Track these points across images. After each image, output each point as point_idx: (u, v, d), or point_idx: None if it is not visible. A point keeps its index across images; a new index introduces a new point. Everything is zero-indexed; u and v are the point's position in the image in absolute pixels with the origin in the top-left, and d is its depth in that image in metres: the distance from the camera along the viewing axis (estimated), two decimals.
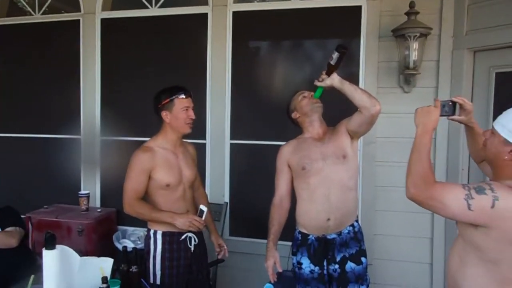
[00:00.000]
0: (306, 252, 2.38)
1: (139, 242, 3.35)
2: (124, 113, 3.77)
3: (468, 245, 1.54)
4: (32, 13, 3.99)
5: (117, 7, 3.81)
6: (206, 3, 3.54)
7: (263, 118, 3.49)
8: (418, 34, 2.92)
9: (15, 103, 4.11)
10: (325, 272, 2.36)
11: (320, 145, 2.38)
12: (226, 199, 3.50)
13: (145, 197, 2.41)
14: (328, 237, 2.35)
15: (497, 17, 2.78)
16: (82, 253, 2.19)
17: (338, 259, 2.34)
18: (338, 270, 2.34)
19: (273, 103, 3.36)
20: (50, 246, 1.93)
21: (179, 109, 2.36)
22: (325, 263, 2.36)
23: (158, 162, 2.36)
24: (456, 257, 1.61)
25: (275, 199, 2.46)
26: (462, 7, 2.98)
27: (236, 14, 3.50)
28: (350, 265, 2.34)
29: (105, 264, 2.09)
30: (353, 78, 3.23)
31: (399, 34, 2.98)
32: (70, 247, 2.09)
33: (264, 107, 3.48)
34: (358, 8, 3.24)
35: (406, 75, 3.07)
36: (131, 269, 2.11)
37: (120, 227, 3.69)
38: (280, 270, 2.38)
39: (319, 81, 2.25)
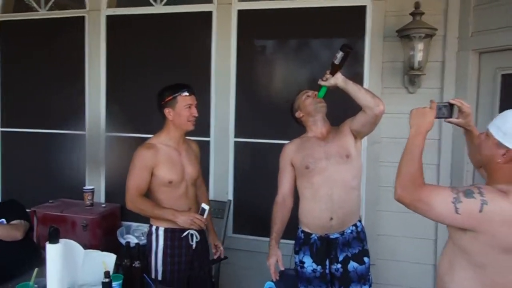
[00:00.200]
0: (309, 251, 2.39)
1: (143, 238, 3.37)
2: (129, 110, 3.79)
3: (457, 248, 1.53)
4: (38, 9, 4.00)
5: (122, 4, 3.82)
6: (210, 1, 3.54)
7: (267, 116, 3.50)
8: (423, 35, 2.92)
9: (21, 98, 4.13)
10: (327, 271, 2.36)
11: (323, 145, 2.38)
12: (230, 196, 3.51)
13: (148, 194, 2.42)
14: (331, 236, 2.35)
15: (503, 19, 2.77)
16: (87, 248, 2.21)
17: (340, 258, 2.34)
18: (341, 270, 2.34)
19: (277, 102, 3.37)
20: (54, 240, 1.95)
21: (182, 107, 2.37)
22: (327, 263, 2.36)
23: (161, 159, 2.37)
24: (445, 259, 1.60)
25: (278, 197, 2.47)
26: (467, 8, 2.97)
27: (240, 13, 3.50)
28: (352, 264, 2.34)
29: (108, 259, 2.11)
30: (358, 78, 3.23)
31: (404, 35, 2.98)
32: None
33: (268, 105, 3.49)
34: (363, 8, 3.23)
35: (411, 75, 3.06)
36: (133, 265, 2.12)
37: (124, 222, 3.71)
38: (282, 268, 2.40)
39: (323, 80, 2.25)
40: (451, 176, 3.03)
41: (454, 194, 1.43)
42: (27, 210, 3.06)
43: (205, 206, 2.38)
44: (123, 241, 3.31)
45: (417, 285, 3.21)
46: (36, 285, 1.97)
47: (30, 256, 2.68)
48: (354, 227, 2.39)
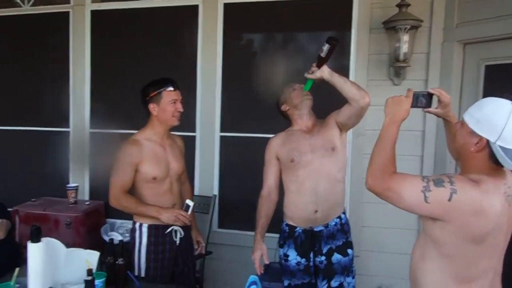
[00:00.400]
0: (293, 244, 2.39)
1: (127, 234, 3.33)
2: (113, 106, 3.75)
3: (428, 239, 1.51)
4: (21, 4, 3.93)
5: None
6: None
7: (253, 110, 3.48)
8: (409, 27, 2.92)
9: (3, 95, 4.07)
10: (311, 264, 2.37)
11: (309, 138, 2.37)
12: (215, 191, 3.50)
13: (132, 190, 2.39)
14: (315, 229, 2.35)
15: (487, 10, 2.77)
16: (70, 246, 2.18)
17: (324, 251, 2.35)
18: (325, 262, 2.34)
19: (263, 96, 3.34)
20: (35, 239, 1.91)
21: (167, 102, 2.34)
22: (311, 255, 2.36)
23: (146, 155, 2.34)
24: (417, 250, 1.58)
25: (263, 191, 2.46)
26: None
27: (227, 6, 3.47)
28: (336, 256, 2.34)
29: (92, 257, 2.08)
30: (344, 71, 3.22)
31: (390, 26, 2.97)
32: (58, 240, 2.09)
33: (254, 99, 3.47)
34: (349, 0, 3.22)
35: (396, 67, 3.06)
36: (117, 262, 2.10)
37: (108, 219, 3.68)
38: (267, 262, 2.39)
39: (309, 73, 2.24)
40: (434, 168, 3.04)
41: (424, 183, 1.41)
42: (9, 209, 3.01)
43: (189, 202, 2.36)
44: (107, 239, 3.27)
45: (401, 276, 3.20)
46: (17, 285, 1.94)
47: (11, 256, 2.64)
48: (338, 219, 2.38)
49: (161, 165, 2.39)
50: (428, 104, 1.70)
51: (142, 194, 2.38)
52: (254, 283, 2.15)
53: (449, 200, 1.37)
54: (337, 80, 2.18)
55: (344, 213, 2.45)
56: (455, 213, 1.38)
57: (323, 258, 2.34)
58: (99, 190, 3.70)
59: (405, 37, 2.94)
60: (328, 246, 2.35)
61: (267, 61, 3.50)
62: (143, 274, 2.36)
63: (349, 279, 2.37)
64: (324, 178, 2.32)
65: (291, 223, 2.42)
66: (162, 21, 3.64)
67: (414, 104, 1.66)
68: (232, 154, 3.54)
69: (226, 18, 3.48)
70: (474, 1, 2.89)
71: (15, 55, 4.00)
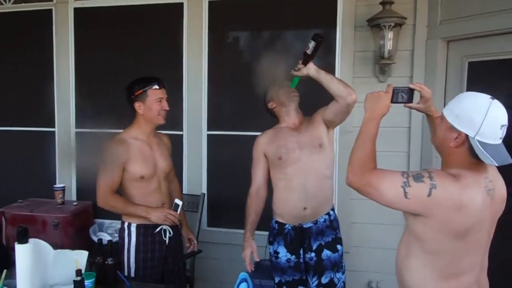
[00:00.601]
0: (283, 241, 2.41)
1: (116, 235, 3.31)
2: (99, 105, 3.71)
3: (411, 235, 1.50)
4: (3, 2, 3.87)
5: None
6: None
7: (240, 108, 3.49)
8: (392, 24, 2.94)
9: None
10: (301, 260, 2.39)
11: (296, 135, 2.39)
12: (204, 190, 3.49)
13: (119, 190, 2.38)
14: (305, 226, 2.37)
15: (470, 7, 2.81)
16: (58, 247, 2.17)
17: (314, 247, 2.37)
18: (315, 258, 2.36)
19: (250, 93, 3.33)
20: (23, 240, 1.90)
21: (153, 100, 2.34)
22: (301, 252, 2.39)
23: (132, 154, 2.34)
24: (402, 247, 1.57)
25: (252, 189, 2.47)
26: None
27: (212, 4, 3.46)
28: (326, 253, 2.37)
29: (80, 257, 2.07)
30: (329, 68, 3.23)
31: (374, 24, 2.99)
32: (45, 241, 2.08)
33: (240, 97, 3.47)
34: None
35: (381, 64, 3.09)
36: (106, 262, 2.10)
37: (97, 220, 3.65)
38: (257, 260, 2.40)
39: (295, 70, 2.25)
40: (421, 163, 3.08)
41: (404, 178, 1.40)
42: None
43: (178, 201, 2.37)
44: (96, 239, 3.25)
45: (391, 271, 3.22)
46: (5, 287, 1.92)
47: None
48: (327, 216, 2.41)
49: (148, 163, 2.38)
50: (409, 99, 1.68)
51: (130, 194, 2.38)
52: (244, 280, 2.17)
53: (429, 195, 1.36)
54: (324, 77, 2.20)
55: (333, 209, 2.47)
56: (435, 208, 1.37)
57: (313, 254, 2.37)
58: (86, 190, 3.66)
59: (389, 35, 2.96)
60: (318, 243, 2.37)
61: (253, 58, 3.50)
62: (132, 274, 2.35)
63: (339, 275, 2.39)
64: (312, 175, 2.34)
65: (280, 220, 2.43)
66: (147, 19, 3.61)
67: (395, 100, 1.65)
68: (220, 153, 3.54)
69: (211, 16, 3.47)
70: None
71: None
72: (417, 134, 3.10)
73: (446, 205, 1.36)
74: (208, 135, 3.52)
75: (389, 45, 2.98)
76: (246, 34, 3.61)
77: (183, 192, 3.28)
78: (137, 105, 2.35)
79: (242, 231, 2.45)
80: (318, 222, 2.38)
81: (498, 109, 1.38)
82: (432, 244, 1.45)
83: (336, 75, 3.19)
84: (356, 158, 1.52)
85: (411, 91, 1.67)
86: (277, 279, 2.44)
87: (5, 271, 1.96)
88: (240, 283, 2.19)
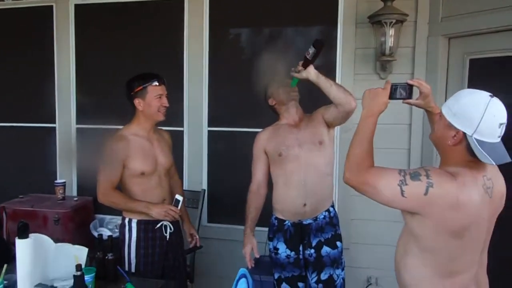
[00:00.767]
0: (282, 238, 2.41)
1: (116, 230, 3.33)
2: (100, 101, 3.71)
3: (409, 234, 1.48)
4: None
5: None
6: None
7: (241, 105, 3.48)
8: (394, 21, 2.93)
9: None
10: (301, 256, 2.39)
11: (296, 132, 2.39)
12: (204, 186, 3.49)
13: (120, 186, 2.38)
14: (304, 222, 2.38)
15: (471, 4, 2.80)
16: (59, 242, 2.16)
17: (314, 243, 2.37)
18: (314, 255, 2.37)
19: (251, 90, 3.32)
20: (23, 235, 1.90)
21: (153, 97, 2.33)
22: (301, 248, 2.39)
23: (133, 150, 2.34)
24: (400, 245, 1.55)
25: (252, 185, 2.48)
26: None
27: (213, 1, 3.45)
28: (325, 249, 2.37)
29: (80, 253, 2.07)
30: (331, 65, 3.25)
31: (376, 21, 2.98)
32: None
33: (241, 93, 3.47)
34: None
35: (383, 61, 3.08)
36: (106, 257, 2.10)
37: (97, 215, 3.66)
38: (258, 256, 2.41)
39: (295, 72, 2.23)
40: (421, 160, 3.08)
41: (401, 176, 1.39)
42: None
43: (179, 197, 2.37)
44: (96, 234, 3.27)
45: (390, 267, 3.24)
46: (5, 282, 1.93)
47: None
48: (326, 213, 2.41)
49: (149, 160, 2.38)
50: (408, 96, 1.65)
51: (131, 190, 2.38)
52: (243, 275, 2.17)
53: (425, 194, 1.35)
54: (323, 83, 2.19)
55: (332, 206, 2.47)
56: (431, 207, 1.36)
57: (312, 251, 2.37)
58: (87, 186, 3.67)
59: (391, 31, 2.95)
60: (317, 239, 2.37)
61: (254, 55, 3.49)
62: (133, 270, 2.36)
63: (338, 271, 2.40)
64: (312, 171, 2.34)
65: (280, 216, 2.44)
66: (147, 16, 3.60)
67: (393, 96, 1.62)
68: (220, 149, 3.55)
69: (212, 13, 3.46)
70: None
71: None
72: (418, 131, 3.10)
73: (442, 204, 1.35)
74: (208, 131, 3.52)
75: (390, 42, 2.97)
76: (247, 31, 3.60)
77: (184, 188, 3.28)
78: (137, 101, 2.35)
79: (242, 227, 2.46)
80: (318, 219, 2.38)
81: (497, 107, 1.36)
82: (429, 243, 1.44)
83: (337, 72, 3.20)
84: (353, 155, 1.51)
85: (410, 87, 1.64)
86: (276, 275, 2.45)
87: (5, 265, 1.97)
88: (239, 278, 2.19)
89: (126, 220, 2.41)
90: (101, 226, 3.50)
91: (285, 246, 2.40)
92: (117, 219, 3.42)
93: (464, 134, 1.38)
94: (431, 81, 2.90)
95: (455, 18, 2.91)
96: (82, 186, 3.78)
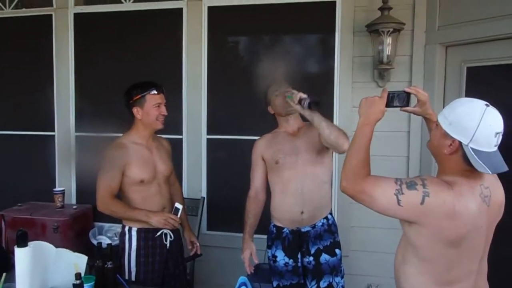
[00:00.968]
0: (281, 245, 2.41)
1: (115, 238, 3.33)
2: (99, 109, 3.72)
3: (407, 242, 1.48)
4: (3, 7, 3.89)
5: (90, 2, 3.75)
6: None
7: (240, 113, 3.50)
8: (391, 29, 2.95)
9: None
10: (299, 264, 2.39)
11: (294, 140, 2.39)
12: (203, 194, 3.50)
13: (120, 194, 2.38)
14: (302, 229, 2.38)
15: (468, 12, 2.83)
16: None
17: (312, 251, 2.37)
18: (313, 262, 2.36)
19: (250, 98, 3.36)
20: (22, 243, 1.90)
21: (151, 106, 2.34)
22: (299, 256, 2.39)
23: (132, 158, 2.34)
24: (399, 253, 1.55)
25: (251, 192, 2.50)
26: (434, 2, 3.03)
27: (211, 9, 3.48)
28: (324, 257, 2.37)
29: (80, 261, 2.07)
30: (329, 73, 3.27)
31: (373, 29, 3.01)
32: None
33: (240, 101, 3.49)
34: (333, 3, 3.25)
35: (380, 69, 3.10)
36: (106, 265, 2.09)
37: (96, 223, 3.66)
38: (256, 262, 2.41)
39: (290, 100, 2.19)
40: (420, 168, 3.08)
41: (398, 185, 1.38)
42: None
43: (178, 205, 2.37)
44: (95, 242, 3.26)
45: (390, 275, 3.24)
46: None
47: None
48: (325, 220, 2.41)
49: (148, 167, 2.39)
50: (405, 103, 1.63)
51: (130, 198, 2.38)
52: (243, 284, 2.17)
53: (422, 203, 1.34)
54: (317, 122, 2.13)
55: (331, 213, 2.47)
56: (428, 216, 1.36)
57: (311, 258, 2.37)
58: (86, 194, 3.67)
59: (388, 40, 2.97)
60: (316, 247, 2.37)
61: (252, 63, 3.50)
62: (133, 278, 2.35)
63: (337, 279, 2.39)
64: (308, 179, 2.34)
65: (278, 224, 2.44)
66: (146, 24, 3.62)
67: (390, 104, 1.60)
68: (219, 157, 3.55)
69: (210, 21, 3.49)
70: (455, 4, 2.95)
71: None
72: (416, 139, 3.11)
73: (439, 213, 1.35)
74: (207, 139, 3.53)
75: (387, 50, 2.99)
76: (245, 39, 3.63)
77: (183, 196, 3.28)
78: (135, 110, 2.35)
79: (241, 234, 2.46)
80: (316, 226, 2.38)
81: (492, 116, 1.35)
82: (427, 252, 1.44)
83: (335, 80, 3.23)
84: (350, 164, 1.50)
85: (407, 95, 1.62)
86: (275, 283, 2.45)
87: (4, 274, 1.97)
88: (239, 286, 2.18)
89: (126, 229, 2.41)
90: (100, 234, 3.50)
91: (283, 254, 2.40)
92: (116, 227, 3.42)
93: (460, 143, 1.37)
94: (429, 89, 2.92)
95: (452, 26, 2.94)
96: (81, 194, 3.78)
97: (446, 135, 1.41)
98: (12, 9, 3.88)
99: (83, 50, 3.76)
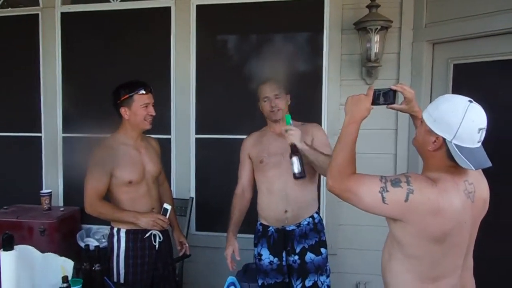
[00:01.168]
0: (266, 244, 2.42)
1: (103, 240, 3.30)
2: (86, 109, 3.67)
3: (392, 239, 1.49)
4: None
5: (77, 1, 3.70)
6: None
7: (228, 112, 3.49)
8: (379, 27, 2.96)
9: None
10: (284, 263, 2.39)
11: (280, 140, 2.36)
12: (192, 194, 3.48)
13: (108, 195, 2.36)
14: (287, 228, 2.38)
15: (455, 10, 2.85)
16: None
17: (297, 250, 2.37)
18: (298, 261, 2.36)
19: (238, 97, 3.36)
20: (8, 247, 1.87)
21: (139, 106, 2.31)
22: (284, 255, 2.38)
23: (120, 159, 2.32)
24: (386, 250, 1.56)
25: (237, 189, 2.52)
26: (421, 0, 3.04)
27: (199, 8, 3.46)
28: (309, 256, 2.37)
29: (66, 264, 2.05)
30: (317, 71, 3.27)
31: (361, 27, 3.01)
32: None
33: (228, 101, 3.48)
34: (321, 1, 3.25)
35: (368, 67, 3.11)
36: (93, 268, 2.07)
37: (84, 225, 3.62)
38: (239, 259, 2.42)
39: (284, 131, 2.21)
40: (408, 165, 3.10)
41: (382, 183, 1.39)
42: None
43: (167, 206, 2.36)
44: (83, 245, 3.22)
45: (379, 272, 3.25)
46: None
47: None
48: (310, 219, 2.41)
49: (136, 168, 2.37)
50: (391, 101, 1.63)
51: (119, 199, 2.36)
52: (232, 284, 2.16)
53: (406, 200, 1.35)
54: (308, 154, 2.18)
55: (317, 212, 2.47)
56: (412, 213, 1.36)
57: (296, 257, 2.37)
58: (73, 196, 3.64)
59: (376, 38, 2.98)
60: (301, 246, 2.37)
61: (241, 62, 3.50)
62: (122, 280, 2.33)
63: (323, 278, 2.39)
64: (293, 179, 2.30)
65: (264, 222, 2.46)
66: (134, 23, 3.59)
67: (376, 102, 1.60)
68: (208, 156, 3.54)
69: (199, 20, 3.47)
70: (442, 2, 2.96)
71: None
72: (404, 136, 3.12)
73: (423, 210, 1.35)
74: (196, 138, 3.51)
75: (375, 48, 3.00)
76: (234, 38, 3.61)
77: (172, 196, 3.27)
78: (123, 110, 2.33)
79: None
80: (301, 225, 2.38)
81: (475, 112, 1.36)
82: (412, 249, 1.44)
83: (324, 77, 3.23)
84: (336, 163, 1.51)
85: (393, 92, 1.62)
86: (260, 282, 2.45)
87: None
88: (228, 286, 2.18)
89: (115, 230, 2.38)
90: (88, 236, 3.46)
91: (268, 252, 2.40)
92: (104, 229, 3.39)
93: (444, 139, 1.38)
94: (416, 86, 2.93)
95: (439, 24, 2.95)
96: (69, 196, 3.73)
97: (430, 131, 1.41)
98: None
99: (70, 50, 3.71)
